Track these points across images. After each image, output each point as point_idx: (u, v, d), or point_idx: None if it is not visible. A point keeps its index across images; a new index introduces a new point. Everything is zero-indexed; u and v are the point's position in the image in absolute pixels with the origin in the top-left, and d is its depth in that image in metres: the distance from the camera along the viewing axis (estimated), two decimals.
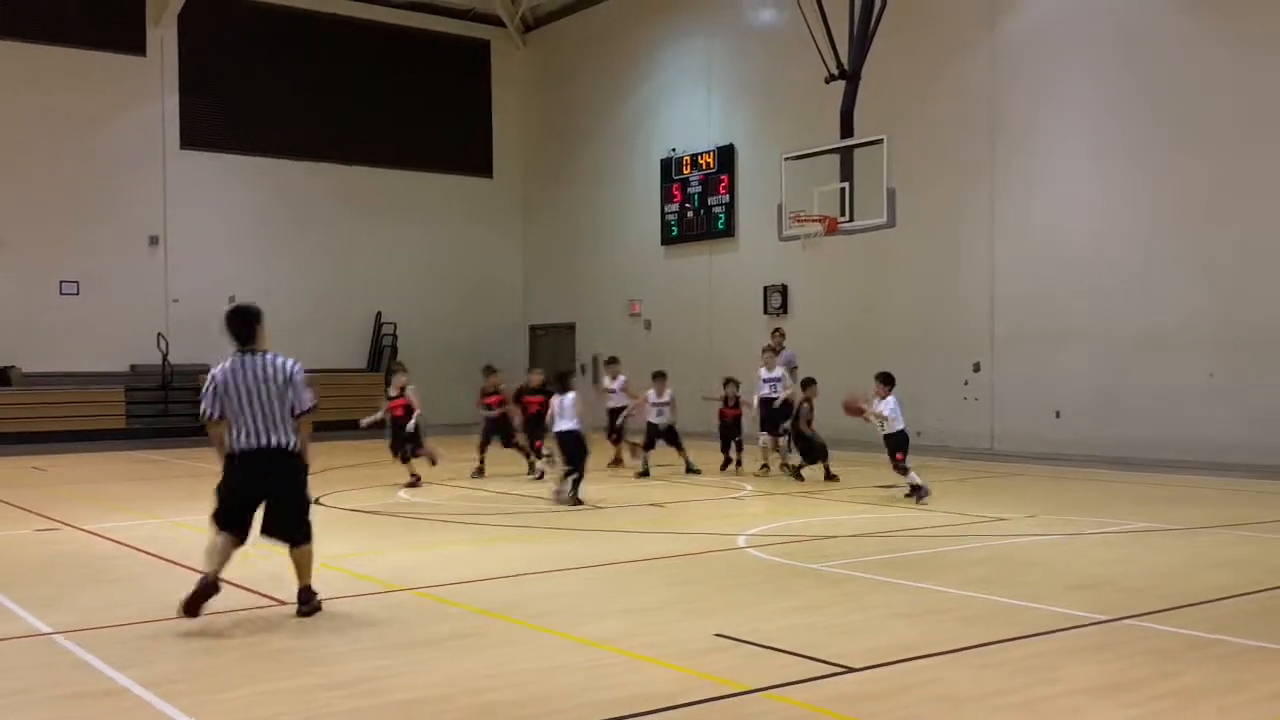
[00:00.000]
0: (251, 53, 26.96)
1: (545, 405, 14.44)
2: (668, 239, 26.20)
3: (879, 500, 13.79)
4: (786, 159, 18.46)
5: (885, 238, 18.17)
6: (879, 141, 16.67)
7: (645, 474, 16.24)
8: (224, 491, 7.73)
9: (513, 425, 16.57)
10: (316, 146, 27.63)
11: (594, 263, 28.26)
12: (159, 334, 25.37)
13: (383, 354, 28.14)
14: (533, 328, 30.25)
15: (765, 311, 23.61)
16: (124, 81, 25.62)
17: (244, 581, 8.75)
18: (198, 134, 26.40)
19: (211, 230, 26.64)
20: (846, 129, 17.35)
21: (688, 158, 25.57)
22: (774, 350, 17.74)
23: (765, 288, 23.59)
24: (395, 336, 28.26)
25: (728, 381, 17.24)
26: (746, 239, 24.21)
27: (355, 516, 12.72)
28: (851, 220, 16.92)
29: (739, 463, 17.06)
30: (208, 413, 7.71)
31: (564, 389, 13.43)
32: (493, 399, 16.81)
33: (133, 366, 24.79)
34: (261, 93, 27.01)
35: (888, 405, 13.45)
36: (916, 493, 13.33)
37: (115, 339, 24.86)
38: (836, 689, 5.89)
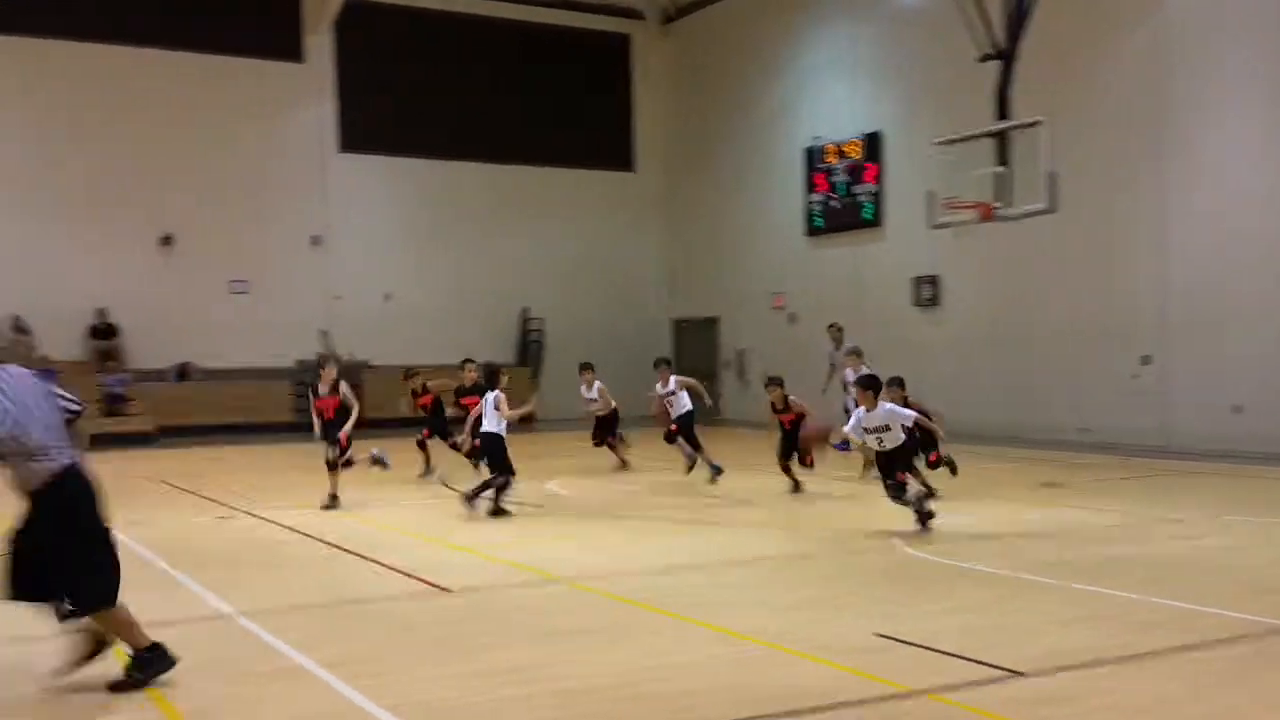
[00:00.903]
0: (402, 56, 27.70)
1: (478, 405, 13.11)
2: (812, 230, 25.90)
3: (1041, 499, 13.37)
4: (937, 144, 18.05)
5: (1044, 224, 17.58)
6: (1037, 124, 16.13)
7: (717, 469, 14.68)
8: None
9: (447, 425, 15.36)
10: (464, 146, 28.22)
11: (737, 255, 28.15)
12: (322, 330, 26.36)
13: (529, 349, 28.63)
14: (676, 322, 30.32)
15: (915, 303, 23.13)
16: (284, 88, 26.68)
17: (411, 569, 9.04)
18: (354, 137, 27.30)
19: (368, 230, 27.52)
20: (1002, 111, 16.86)
21: (832, 146, 25.22)
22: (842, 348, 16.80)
23: (915, 279, 23.11)
24: (542, 332, 28.71)
25: (771, 382, 13.87)
26: (894, 228, 23.75)
27: (508, 507, 12.98)
28: (1008, 206, 16.44)
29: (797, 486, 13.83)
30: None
31: (491, 387, 12.16)
32: (425, 399, 15.76)
33: (299, 362, 25.82)
34: (412, 95, 27.73)
35: (876, 418, 10.63)
36: (923, 521, 10.68)
37: (281, 335, 25.91)
38: (1006, 694, 5.73)
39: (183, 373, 25.19)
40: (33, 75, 24.16)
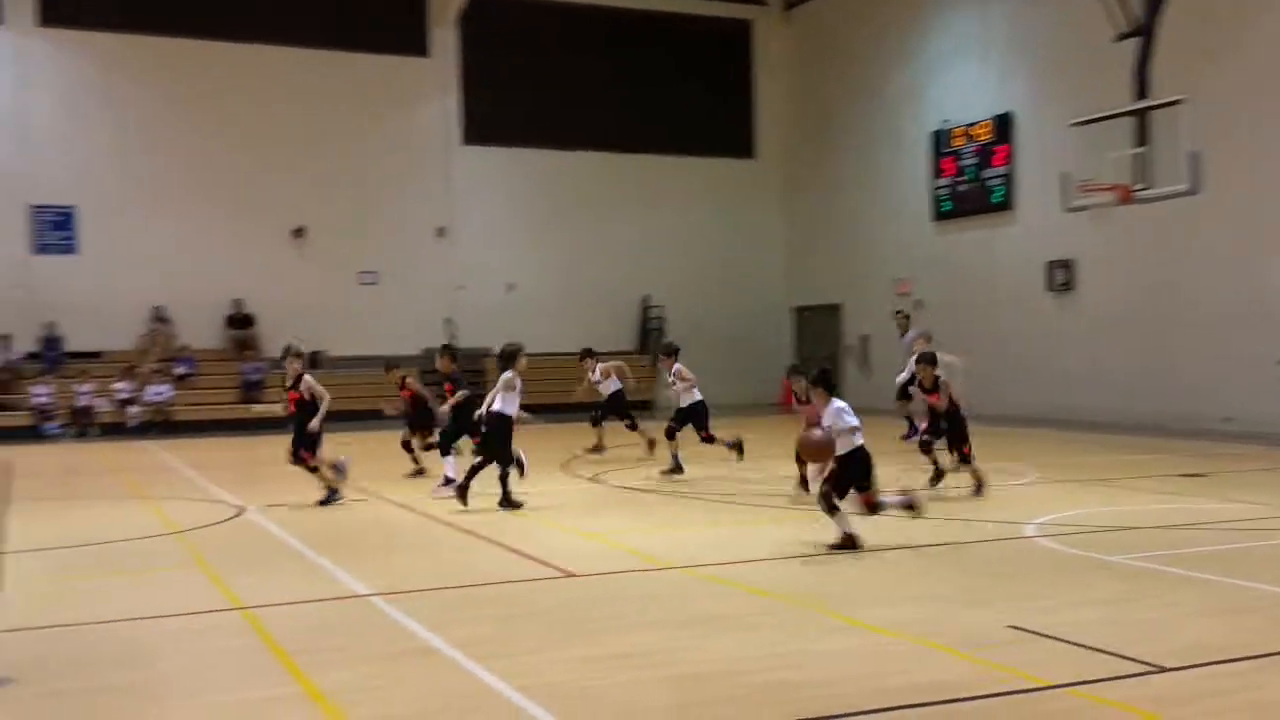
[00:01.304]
0: (524, 48, 28.02)
1: (455, 393, 13.09)
2: (939, 214, 25.37)
3: (1182, 490, 12.85)
4: (1072, 125, 17.47)
5: (1185, 206, 16.89)
6: (1179, 102, 15.48)
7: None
8: None
9: (431, 419, 14.58)
10: (585, 136, 28.43)
11: (860, 241, 27.74)
12: (446, 319, 26.88)
13: (650, 336, 28.71)
14: (796, 309, 30.05)
15: (1048, 289, 22.47)
16: (411, 82, 27.25)
17: (540, 554, 9.14)
18: (477, 129, 27.75)
19: (492, 220, 27.96)
20: (1141, 90, 16.24)
21: (960, 129, 24.64)
22: (911, 336, 16.08)
23: (1048, 263, 22.44)
24: (662, 319, 28.76)
25: (794, 370, 12.21)
26: (1026, 212, 23.09)
27: (623, 494, 13.04)
28: (1148, 188, 15.82)
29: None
30: None
31: (506, 368, 11.75)
32: (405, 394, 15.12)
33: (425, 350, 26.36)
34: (534, 86, 28.03)
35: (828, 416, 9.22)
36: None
37: (408, 324, 26.50)
38: (1145, 689, 5.52)
39: (314, 361, 25.93)
40: (174, 75, 25.15)
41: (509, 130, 27.86)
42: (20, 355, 23.73)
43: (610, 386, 16.05)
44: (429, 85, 27.40)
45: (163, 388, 23.60)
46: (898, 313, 18.87)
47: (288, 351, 12.77)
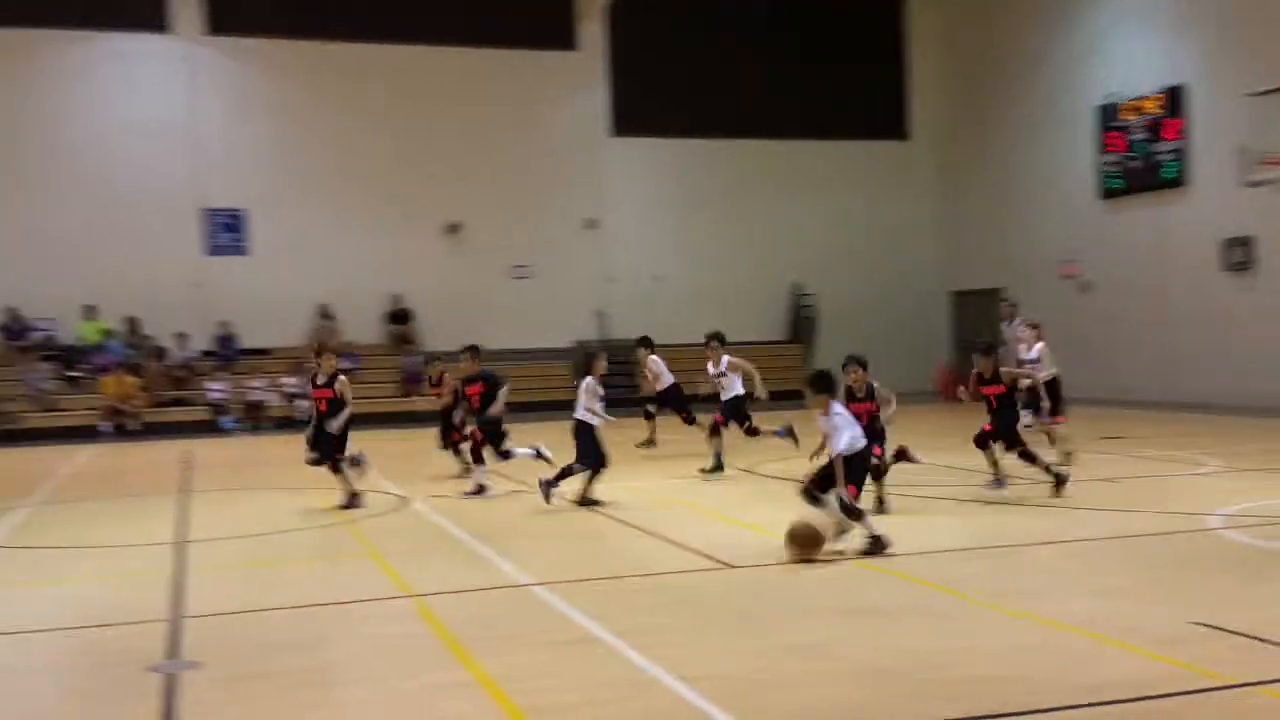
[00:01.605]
0: (671, 37, 27.99)
1: (485, 394, 12.72)
2: (1106, 192, 24.30)
3: None
4: (1250, 95, 16.49)
5: None
6: None
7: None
8: None
9: (453, 421, 14.14)
10: (734, 124, 28.22)
11: (1021, 222, 26.79)
12: (598, 311, 27.12)
13: (801, 325, 28.39)
14: (953, 294, 29.25)
15: (1224, 268, 21.30)
16: (559, 76, 27.54)
17: (700, 546, 9.11)
18: (626, 121, 27.87)
19: (639, 211, 28.05)
20: None
21: (1129, 102, 23.54)
22: (1018, 323, 14.84)
23: (1225, 241, 21.26)
24: (814, 308, 28.40)
25: (850, 363, 10.21)
26: (1201, 187, 21.90)
27: (778, 484, 12.85)
28: None
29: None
30: None
31: (584, 373, 11.66)
32: (437, 390, 14.63)
33: (576, 343, 26.66)
34: (681, 75, 27.96)
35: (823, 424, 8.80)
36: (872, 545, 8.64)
37: (559, 317, 26.82)
38: None
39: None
40: (334, 79, 25.98)
41: (657, 120, 27.90)
42: (197, 353, 24.94)
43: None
44: (577, 78, 27.66)
45: None
46: (1004, 300, 18.06)
47: (323, 348, 12.42)
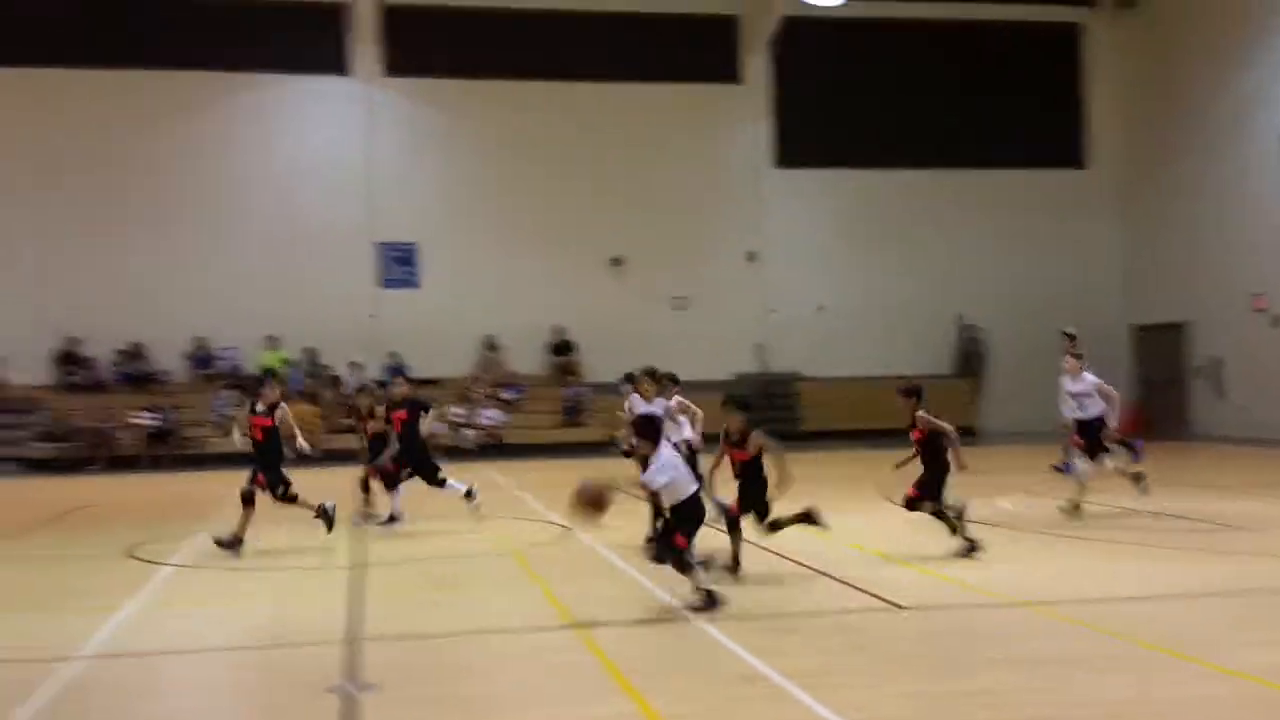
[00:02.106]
0: (833, 69, 27.84)
1: (408, 421, 12.39)
2: None
3: None
4: None
5: None
6: None
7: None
8: None
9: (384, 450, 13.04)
10: (899, 154, 27.83)
11: (1207, 253, 25.50)
12: (757, 344, 27.02)
13: (969, 360, 27.66)
14: (1134, 328, 28.02)
15: None
16: (723, 110, 27.69)
17: (865, 584, 8.90)
18: (789, 152, 27.81)
19: (801, 243, 27.89)
20: None
21: None
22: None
23: None
24: (983, 342, 27.64)
25: (727, 404, 9.78)
26: None
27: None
28: None
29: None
30: None
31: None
32: (365, 421, 13.65)
33: (736, 375, 26.58)
34: (846, 106, 27.75)
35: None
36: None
37: (719, 349, 26.80)
38: None
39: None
40: (500, 114, 26.73)
41: (820, 152, 27.75)
42: (368, 381, 25.82)
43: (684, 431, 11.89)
44: (741, 111, 27.76)
45: (494, 412, 25.00)
46: (1065, 334, 16.96)
47: (266, 378, 12.01)
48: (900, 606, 8.12)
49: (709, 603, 7.88)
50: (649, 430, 8.25)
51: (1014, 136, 28.21)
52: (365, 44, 26.57)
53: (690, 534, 8.02)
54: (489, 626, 7.75)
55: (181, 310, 25.04)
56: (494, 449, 24.22)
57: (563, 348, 26.91)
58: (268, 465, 11.20)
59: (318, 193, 26.13)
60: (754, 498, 9.34)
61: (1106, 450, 12.70)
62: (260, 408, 11.37)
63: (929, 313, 27.65)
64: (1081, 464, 12.78)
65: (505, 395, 25.75)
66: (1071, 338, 15.97)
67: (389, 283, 26.59)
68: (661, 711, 5.72)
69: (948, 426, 10.24)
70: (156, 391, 24.36)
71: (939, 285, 27.78)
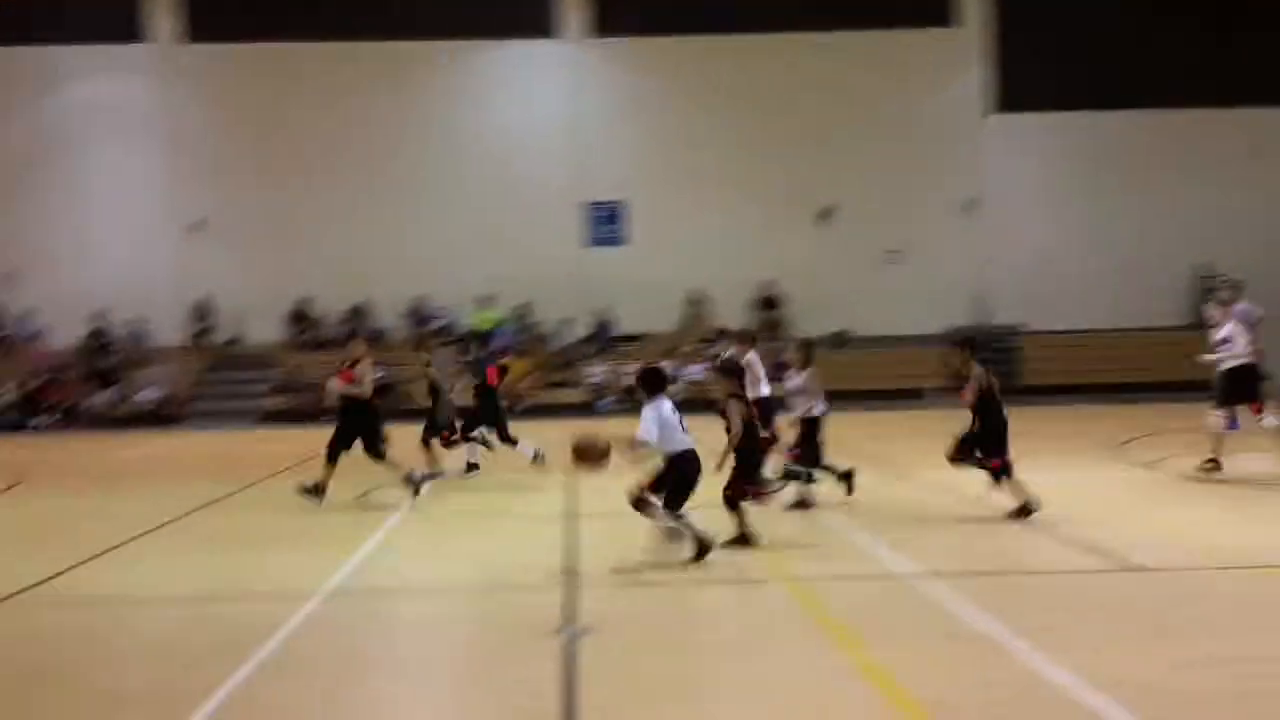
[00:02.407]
0: (1056, 6, 26.39)
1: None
2: None
3: None
4: None
5: None
6: None
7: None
8: None
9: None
10: (1131, 93, 26.17)
11: None
12: (975, 295, 26.10)
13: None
14: None
15: None
16: (936, 55, 26.71)
17: (1099, 544, 8.49)
18: (1009, 96, 26.63)
19: (1024, 191, 26.74)
20: None
21: None
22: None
23: None
24: (1238, 289, 25.84)
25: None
26: None
27: (1186, 485, 11.72)
28: None
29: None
30: None
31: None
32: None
33: (949, 328, 25.77)
34: (1068, 46, 26.27)
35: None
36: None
37: (932, 302, 26.03)
38: None
39: (839, 340, 26.30)
40: (705, 69, 26.60)
41: (1042, 95, 26.43)
42: (577, 339, 26.36)
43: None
44: (956, 55, 26.73)
45: (699, 367, 25.06)
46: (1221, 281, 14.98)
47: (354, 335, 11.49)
48: (1143, 568, 7.69)
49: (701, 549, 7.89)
50: (651, 381, 8.25)
51: (1257, 72, 26.09)
52: (572, 7, 26.87)
53: (659, 489, 8.03)
54: (702, 577, 7.75)
55: (401, 271, 26.12)
56: (699, 405, 24.28)
57: (770, 302, 26.70)
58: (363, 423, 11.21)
59: (527, 155, 26.69)
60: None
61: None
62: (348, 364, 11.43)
63: (1162, 261, 26.07)
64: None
65: (710, 351, 25.76)
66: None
67: (595, 241, 26.97)
68: (883, 666, 5.59)
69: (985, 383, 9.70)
70: (379, 348, 25.52)
71: (1177, 233, 26.12)
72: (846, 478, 10.78)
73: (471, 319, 26.30)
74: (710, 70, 26.54)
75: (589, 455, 8.07)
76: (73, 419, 23.54)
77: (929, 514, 10.28)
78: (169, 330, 25.89)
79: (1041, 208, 26.66)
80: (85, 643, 6.43)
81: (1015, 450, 9.66)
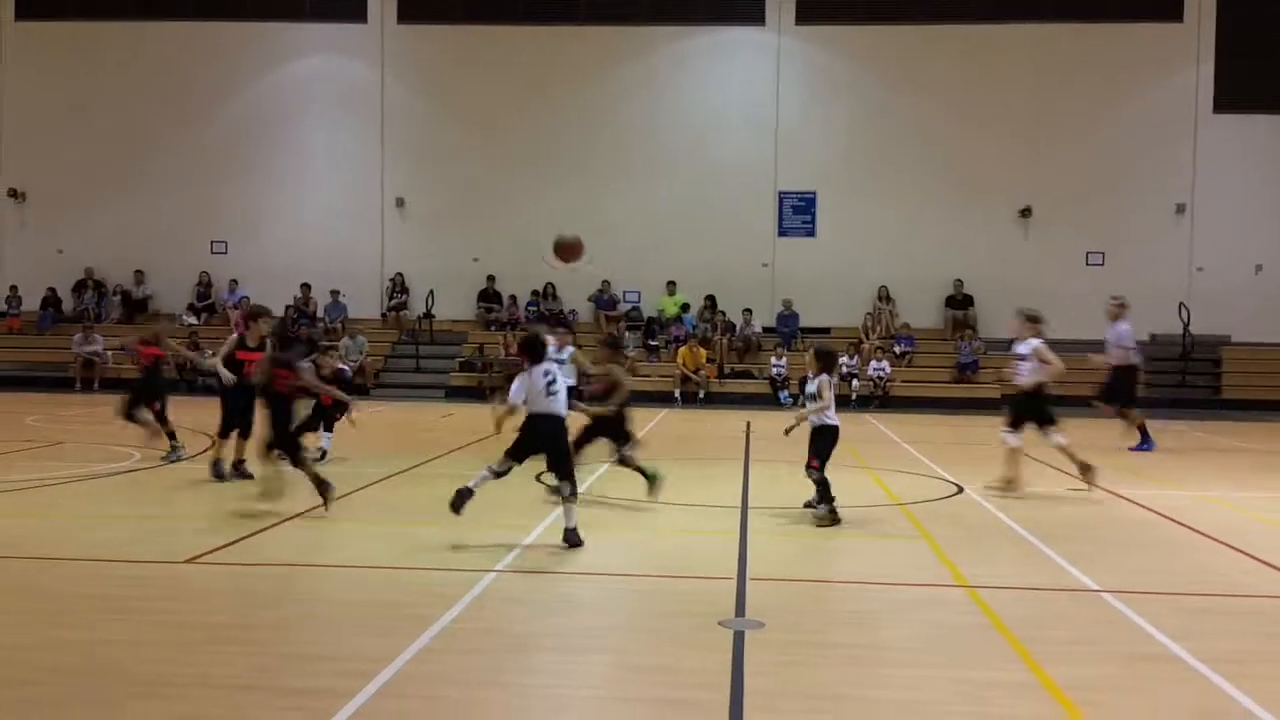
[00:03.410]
0: None
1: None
2: None
3: None
4: None
5: None
6: None
7: None
8: None
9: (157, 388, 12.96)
10: None
11: None
12: (1180, 303, 24.77)
13: None
14: None
15: None
16: (1156, 49, 25.45)
17: None
18: (1232, 95, 25.13)
19: (1241, 195, 25.23)
20: None
21: None
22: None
23: None
24: None
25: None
26: None
27: None
28: None
29: None
30: None
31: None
32: (150, 350, 12.96)
33: (1152, 335, 24.58)
34: None
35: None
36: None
37: (1135, 309, 24.74)
38: None
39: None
40: (903, 60, 26.13)
41: (1266, 95, 24.85)
42: (760, 329, 26.27)
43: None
44: (1178, 51, 25.40)
45: (883, 364, 24.65)
46: (1114, 298, 15.53)
47: (259, 312, 11.75)
48: None
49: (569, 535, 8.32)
50: (529, 349, 8.69)
51: None
52: None
53: (517, 450, 8.54)
54: (874, 577, 7.65)
55: (591, 253, 26.46)
56: (880, 401, 23.90)
57: (961, 301, 26.01)
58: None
59: (726, 142, 26.72)
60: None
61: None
62: (251, 344, 11.56)
63: None
64: None
65: (896, 348, 25.30)
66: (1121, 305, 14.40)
67: (786, 231, 26.80)
68: (1061, 683, 5.39)
69: None
70: (563, 330, 26.03)
71: None
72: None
73: (659, 303, 26.56)
74: (913, 60, 26.01)
75: (569, 251, 10.26)
76: None
77: (1112, 527, 9.86)
78: (366, 303, 27.08)
79: (1259, 215, 25.09)
80: (269, 605, 6.81)
81: (1215, 468, 9.14)
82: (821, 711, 5.10)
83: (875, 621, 6.58)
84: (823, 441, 9.67)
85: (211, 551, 8.03)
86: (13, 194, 27.86)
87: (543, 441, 8.55)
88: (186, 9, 27.30)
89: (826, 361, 9.67)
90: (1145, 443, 15.57)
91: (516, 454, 8.57)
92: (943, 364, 25.11)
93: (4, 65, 27.70)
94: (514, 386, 8.55)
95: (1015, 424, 11.58)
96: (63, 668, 5.43)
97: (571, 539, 8.36)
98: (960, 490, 11.82)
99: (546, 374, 8.59)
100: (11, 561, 7.69)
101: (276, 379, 9.80)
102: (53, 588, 7.06)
